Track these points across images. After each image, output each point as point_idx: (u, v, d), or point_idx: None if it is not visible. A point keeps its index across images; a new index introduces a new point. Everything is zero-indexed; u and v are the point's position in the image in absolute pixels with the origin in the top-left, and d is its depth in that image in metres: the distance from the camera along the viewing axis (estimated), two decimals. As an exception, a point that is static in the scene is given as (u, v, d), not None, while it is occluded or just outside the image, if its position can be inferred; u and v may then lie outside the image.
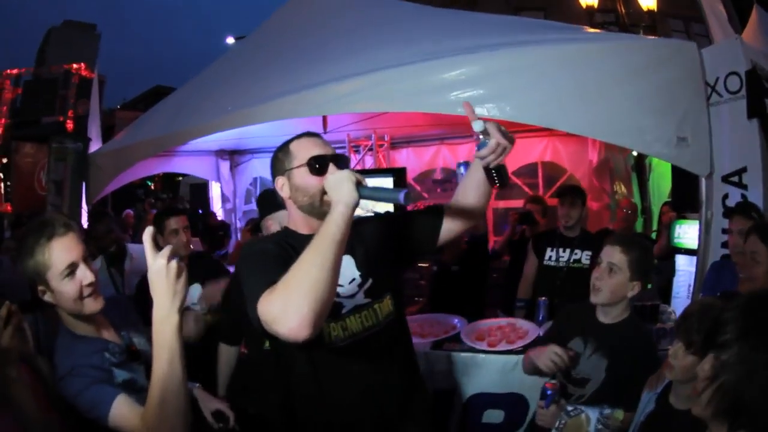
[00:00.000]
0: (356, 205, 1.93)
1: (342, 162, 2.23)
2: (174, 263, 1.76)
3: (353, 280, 2.35)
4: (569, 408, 2.68)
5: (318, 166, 2.18)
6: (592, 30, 5.24)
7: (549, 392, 2.73)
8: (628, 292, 2.84)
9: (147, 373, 2.10)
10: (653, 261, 2.96)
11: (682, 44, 4.13)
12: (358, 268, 2.36)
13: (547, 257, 5.02)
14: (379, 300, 2.37)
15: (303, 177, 2.21)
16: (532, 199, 6.57)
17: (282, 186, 2.28)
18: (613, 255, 2.84)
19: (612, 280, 2.82)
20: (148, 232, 1.80)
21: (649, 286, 5.12)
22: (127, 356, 2.23)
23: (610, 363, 2.82)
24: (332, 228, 1.86)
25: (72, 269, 2.08)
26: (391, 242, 2.46)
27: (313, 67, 5.25)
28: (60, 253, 2.07)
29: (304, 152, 2.23)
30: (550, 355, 2.82)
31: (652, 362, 2.78)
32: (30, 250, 2.07)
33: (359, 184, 1.95)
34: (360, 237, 2.37)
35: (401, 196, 1.89)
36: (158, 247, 1.79)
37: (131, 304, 2.63)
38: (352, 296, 2.33)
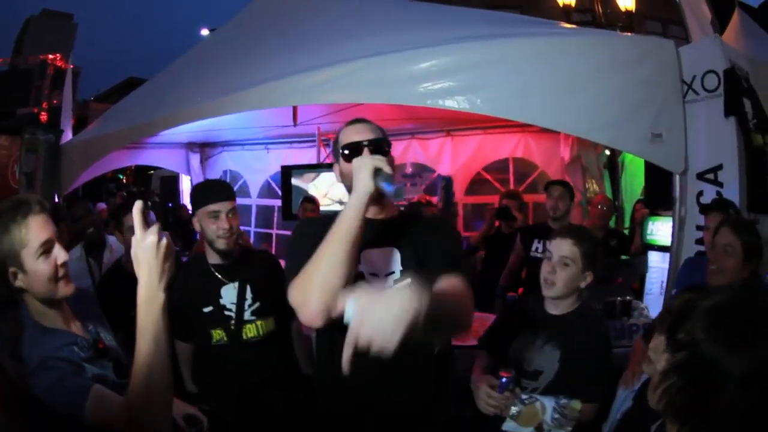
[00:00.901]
0: (370, 193, 1.97)
1: (379, 146, 2.22)
2: (165, 241, 1.74)
3: (391, 273, 2.29)
4: (524, 396, 2.64)
5: (348, 152, 2.22)
6: (568, 25, 5.25)
7: (504, 380, 2.63)
8: (581, 282, 2.81)
9: (116, 370, 2.10)
10: (600, 252, 2.92)
11: (660, 42, 4.18)
12: (402, 264, 2.30)
13: (533, 249, 5.09)
14: None
15: (342, 163, 2.26)
16: (508, 194, 6.55)
17: (336, 171, 2.35)
18: (564, 248, 2.81)
19: (565, 273, 2.78)
20: (138, 206, 1.73)
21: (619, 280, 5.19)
22: (95, 352, 2.11)
23: (563, 354, 2.77)
24: (342, 220, 1.95)
25: (48, 247, 1.99)
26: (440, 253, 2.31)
27: (283, 58, 5.24)
28: (37, 230, 1.98)
29: (345, 139, 2.27)
30: (484, 399, 2.66)
31: (605, 351, 2.80)
32: (5, 228, 1.96)
33: (378, 171, 1.96)
34: (416, 234, 2.32)
35: (387, 187, 1.96)
36: (147, 224, 1.75)
37: (95, 298, 2.54)
38: None
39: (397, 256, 2.29)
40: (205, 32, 19.11)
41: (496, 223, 6.24)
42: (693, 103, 4.07)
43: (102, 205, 9.78)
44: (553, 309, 2.89)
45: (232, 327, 3.19)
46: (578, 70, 4.04)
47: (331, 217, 2.18)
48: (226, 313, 3.19)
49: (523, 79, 4.08)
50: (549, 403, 2.59)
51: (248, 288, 3.24)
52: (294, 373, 3.54)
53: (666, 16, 14.66)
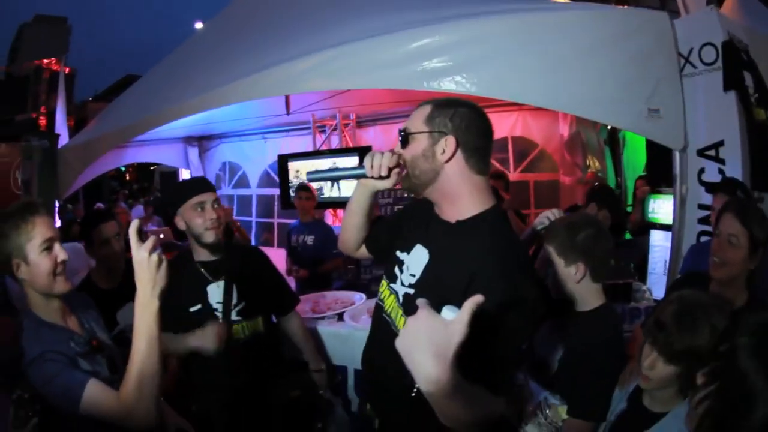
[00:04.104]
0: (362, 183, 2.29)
1: (401, 137, 2.12)
2: (155, 256, 1.93)
3: (413, 275, 2.13)
4: (519, 376, 2.54)
5: None
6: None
7: None
8: (573, 276, 2.55)
9: (109, 366, 2.35)
10: (588, 236, 2.65)
11: (653, 14, 3.97)
12: (424, 272, 2.09)
13: None
14: (406, 312, 2.09)
15: None
16: (494, 175, 6.48)
17: None
18: (545, 249, 2.64)
19: (556, 274, 2.60)
20: (133, 226, 1.94)
21: (612, 262, 5.02)
22: (89, 348, 2.33)
23: (564, 354, 2.57)
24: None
25: (50, 244, 2.25)
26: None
27: (274, 46, 5.17)
28: (41, 227, 2.24)
29: None
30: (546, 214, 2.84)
31: (602, 366, 2.46)
32: (14, 225, 2.22)
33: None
34: (452, 251, 2.00)
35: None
36: (142, 239, 1.94)
37: (91, 300, 2.71)
38: (403, 285, 2.15)
39: (424, 257, 2.11)
40: (199, 26, 18.97)
41: None
42: (691, 77, 3.89)
43: (100, 205, 9.73)
44: (576, 304, 2.65)
45: None
46: (570, 46, 3.87)
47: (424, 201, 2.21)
48: (215, 313, 3.16)
49: (511, 58, 3.92)
50: (538, 395, 2.46)
51: (234, 286, 3.20)
52: (289, 371, 3.48)
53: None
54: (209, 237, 3.12)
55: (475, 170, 2.00)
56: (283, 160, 8.83)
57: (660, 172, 4.85)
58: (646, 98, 3.85)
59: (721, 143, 3.82)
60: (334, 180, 2.32)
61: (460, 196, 2.01)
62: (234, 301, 3.19)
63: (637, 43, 3.86)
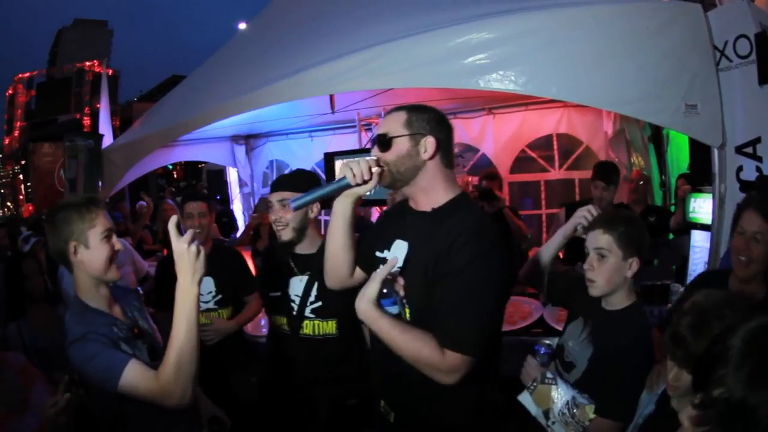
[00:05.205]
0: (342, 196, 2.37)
1: (381, 142, 2.29)
2: (193, 247, 2.09)
3: (399, 268, 2.29)
4: (549, 375, 2.50)
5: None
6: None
7: (542, 351, 2.66)
8: (626, 272, 2.52)
9: (149, 352, 2.50)
10: (642, 231, 2.56)
11: (686, 6, 3.85)
12: (405, 261, 2.31)
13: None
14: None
15: None
16: (488, 175, 6.79)
17: None
18: (598, 239, 2.55)
19: (604, 267, 2.52)
20: (172, 221, 2.12)
21: (655, 262, 4.88)
22: (131, 334, 2.48)
23: (594, 353, 2.54)
24: (332, 215, 2.45)
25: (110, 234, 2.45)
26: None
27: (316, 45, 5.18)
28: (104, 218, 2.46)
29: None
30: (583, 213, 2.78)
31: (636, 366, 2.44)
32: (77, 212, 2.40)
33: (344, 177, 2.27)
34: (437, 236, 2.22)
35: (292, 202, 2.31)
36: (181, 232, 2.10)
37: (136, 293, 2.97)
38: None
39: (404, 250, 2.34)
40: (242, 27, 19.21)
41: (482, 204, 6.13)
42: (727, 70, 3.75)
43: (142, 203, 9.89)
44: (605, 303, 2.64)
45: (293, 319, 3.29)
46: (602, 41, 3.80)
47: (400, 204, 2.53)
48: (291, 303, 3.30)
49: (549, 55, 3.89)
50: (567, 393, 2.43)
51: (315, 285, 3.27)
52: (355, 379, 3.38)
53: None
54: (277, 236, 3.30)
55: (446, 164, 2.32)
56: (330, 158, 8.87)
57: (703, 170, 4.69)
58: (683, 93, 3.75)
59: (758, 140, 3.67)
60: (321, 199, 2.36)
61: (436, 187, 2.30)
62: (311, 298, 3.27)
63: (672, 36, 3.76)
